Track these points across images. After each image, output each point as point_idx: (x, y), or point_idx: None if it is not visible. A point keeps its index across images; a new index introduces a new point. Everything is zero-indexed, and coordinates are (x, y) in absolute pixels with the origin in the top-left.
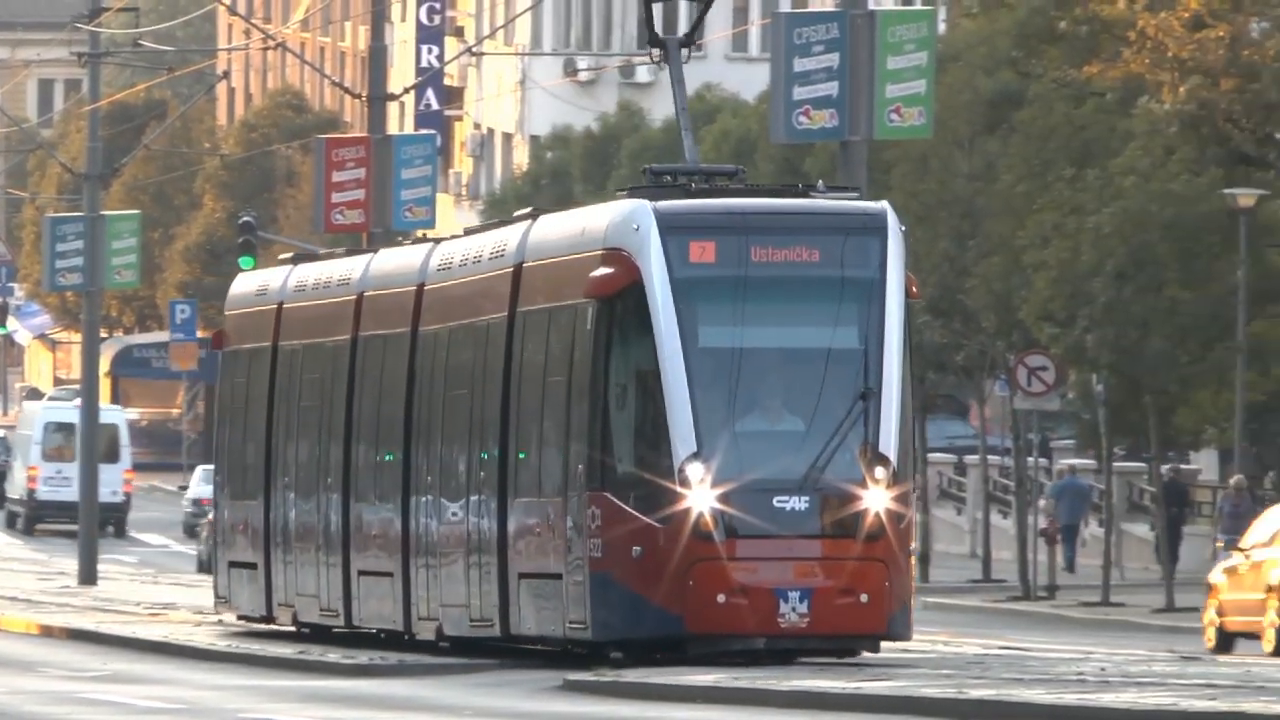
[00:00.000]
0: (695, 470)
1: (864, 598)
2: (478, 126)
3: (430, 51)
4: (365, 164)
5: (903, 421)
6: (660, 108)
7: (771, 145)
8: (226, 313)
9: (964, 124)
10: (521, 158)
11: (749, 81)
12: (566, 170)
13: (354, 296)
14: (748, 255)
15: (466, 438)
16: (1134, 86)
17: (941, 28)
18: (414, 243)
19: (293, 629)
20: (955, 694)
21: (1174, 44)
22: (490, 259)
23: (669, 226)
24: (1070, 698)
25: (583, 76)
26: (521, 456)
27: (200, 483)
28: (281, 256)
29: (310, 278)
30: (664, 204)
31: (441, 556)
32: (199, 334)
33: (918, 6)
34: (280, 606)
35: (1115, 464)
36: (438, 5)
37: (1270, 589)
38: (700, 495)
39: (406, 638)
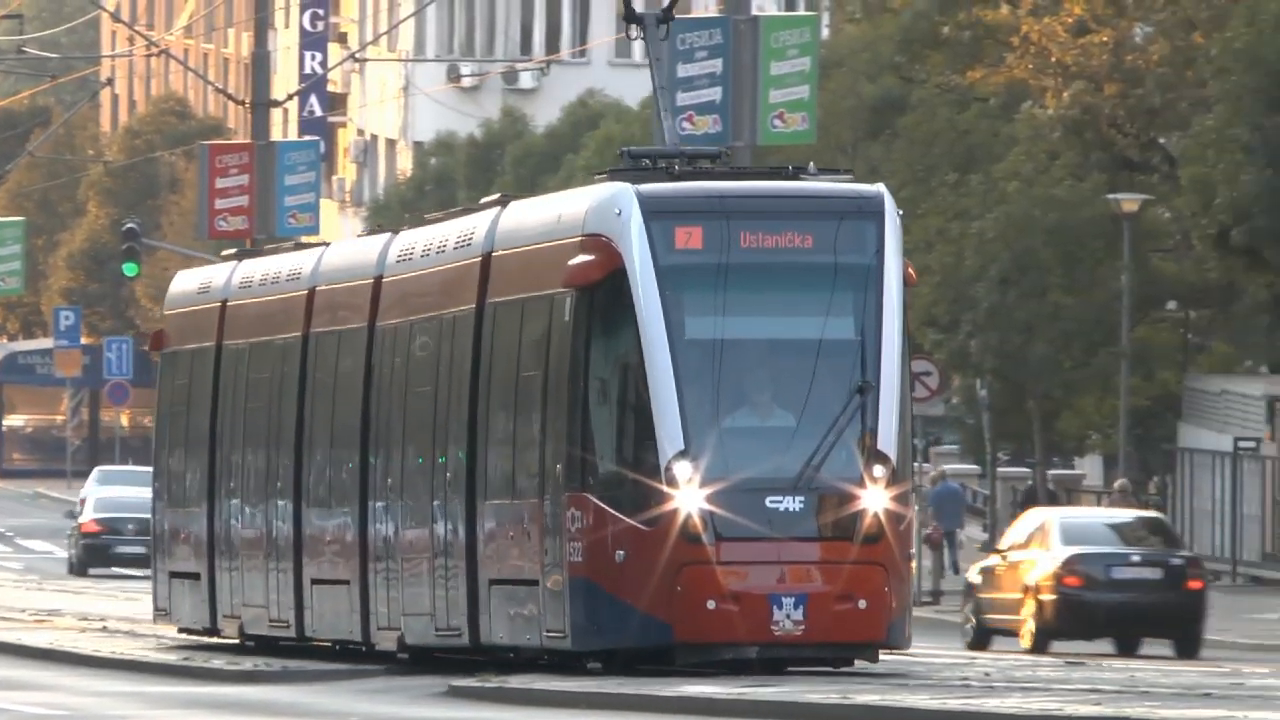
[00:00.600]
0: (683, 469)
1: (862, 603)
2: (361, 132)
3: (314, 58)
4: (249, 170)
5: (902, 417)
6: (543, 113)
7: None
8: (166, 312)
9: (847, 129)
10: (405, 164)
11: (633, 87)
12: (450, 176)
13: (305, 291)
14: (736, 241)
15: (431, 437)
16: (1018, 91)
17: (825, 33)
18: (369, 233)
19: (237, 642)
20: (840, 700)
21: (1058, 49)
22: (456, 248)
23: (653, 211)
24: (954, 703)
25: (466, 82)
26: (492, 456)
27: (95, 483)
28: (225, 253)
29: (257, 273)
30: (647, 187)
31: (404, 562)
32: (83, 340)
33: (801, 12)
34: (225, 618)
35: (1000, 469)
36: (321, 11)
37: (1027, 589)
38: (688, 495)
39: (364, 649)
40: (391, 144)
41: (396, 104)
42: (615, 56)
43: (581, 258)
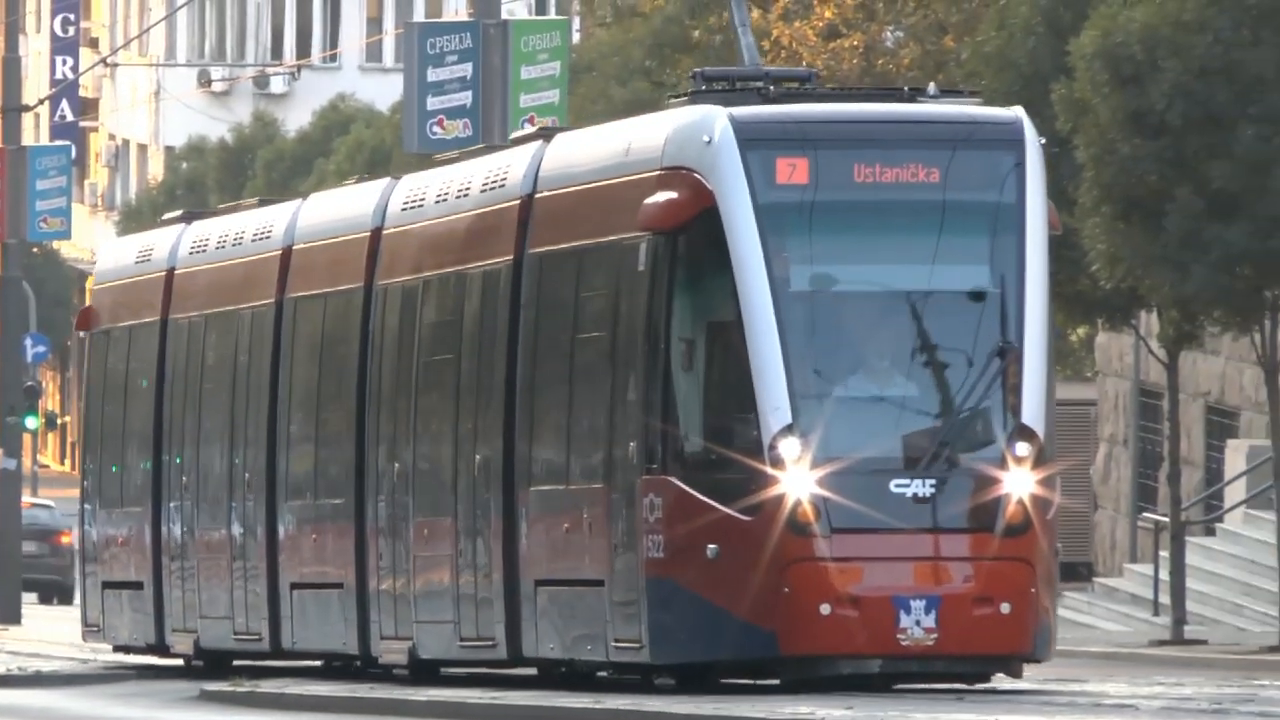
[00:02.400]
0: (790, 446)
1: (1005, 607)
2: (113, 137)
3: (65, 63)
4: None
5: (1049, 384)
6: (294, 118)
7: (406, 156)
8: (94, 287)
9: None
10: (157, 168)
11: (383, 92)
12: (201, 181)
13: (278, 251)
14: (849, 174)
15: (452, 414)
16: None
17: (575, 37)
18: (356, 181)
19: (184, 659)
20: (591, 704)
21: (808, 53)
22: (486, 191)
23: (749, 138)
24: None
25: (217, 87)
26: (538, 437)
27: None
28: (167, 216)
29: (212, 236)
30: (741, 110)
31: (417, 561)
32: None
33: (551, 16)
34: (176, 633)
35: None
36: (72, 16)
37: None
38: (797, 478)
39: (358, 664)
40: (143, 149)
41: (148, 108)
42: (366, 61)
43: (661, 196)
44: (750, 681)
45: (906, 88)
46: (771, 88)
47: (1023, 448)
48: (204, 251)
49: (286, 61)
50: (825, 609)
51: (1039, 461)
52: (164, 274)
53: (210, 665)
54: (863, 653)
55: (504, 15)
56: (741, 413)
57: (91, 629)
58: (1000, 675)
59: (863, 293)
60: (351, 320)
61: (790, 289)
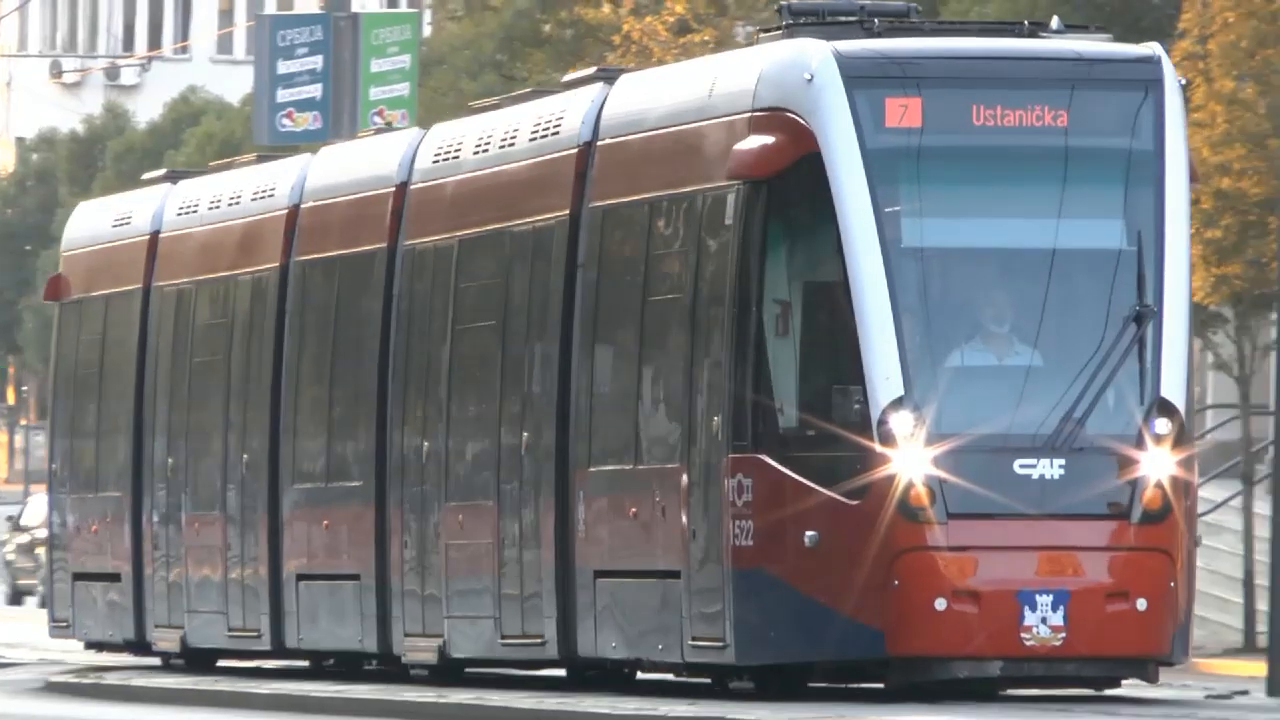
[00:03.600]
0: (903, 421)
1: (1141, 604)
2: None
3: None
4: None
5: (1189, 355)
6: (145, 109)
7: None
8: (65, 253)
9: None
10: (7, 159)
11: (234, 84)
12: (52, 172)
13: (284, 211)
14: (968, 118)
15: (493, 390)
16: None
17: (426, 31)
18: (376, 132)
19: (163, 658)
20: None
21: (659, 48)
22: (535, 139)
23: (857, 76)
24: None
25: (68, 78)
26: (599, 413)
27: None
28: (148, 175)
29: (204, 196)
30: (846, 45)
31: (450, 550)
32: None
33: (402, 9)
34: (160, 628)
35: None
36: None
37: None
38: (910, 457)
39: (372, 664)
40: None
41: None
42: (217, 53)
43: (755, 139)
44: (844, 686)
45: (1026, 21)
46: (876, 20)
47: (1162, 424)
48: (193, 213)
49: (138, 53)
50: (940, 604)
51: (1179, 440)
52: (147, 239)
53: (193, 664)
54: (982, 654)
55: (355, 8)
56: (847, 383)
57: (60, 624)
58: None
59: (983, 250)
60: (374, 285)
61: (902, 245)
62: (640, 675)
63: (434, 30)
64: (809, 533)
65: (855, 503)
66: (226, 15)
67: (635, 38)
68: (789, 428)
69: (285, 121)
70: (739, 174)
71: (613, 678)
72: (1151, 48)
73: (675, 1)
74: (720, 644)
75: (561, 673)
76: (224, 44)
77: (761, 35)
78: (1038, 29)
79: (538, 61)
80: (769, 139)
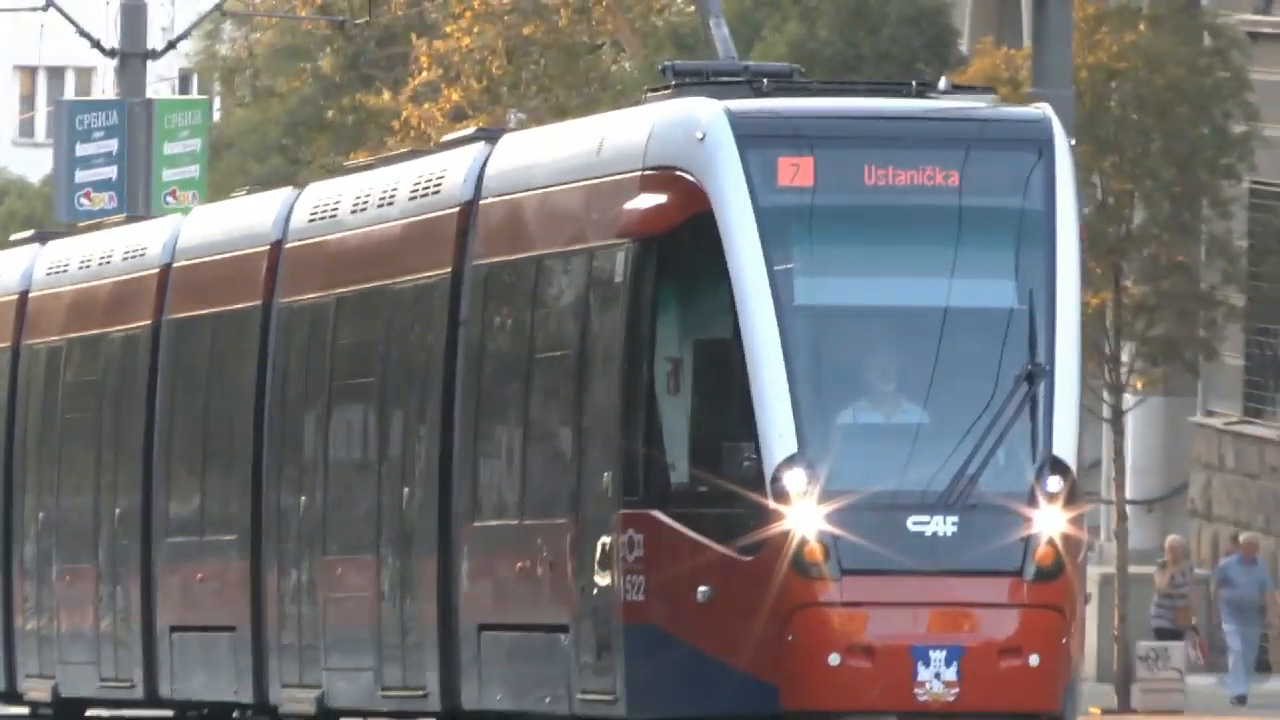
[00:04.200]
0: (796, 479)
1: (1034, 659)
2: None
3: None
4: None
5: (1080, 413)
6: None
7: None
8: None
9: None
10: None
11: (36, 166)
12: None
13: (156, 270)
14: (860, 177)
15: (374, 440)
16: None
17: (216, 116)
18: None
19: (35, 707)
20: None
21: (435, 133)
22: (416, 198)
23: (748, 135)
24: None
25: None
26: (484, 468)
27: None
28: (16, 236)
29: (74, 255)
30: (738, 104)
31: (329, 604)
32: None
33: (193, 96)
34: (31, 678)
35: None
36: None
37: None
38: (804, 514)
39: (245, 715)
40: None
41: None
42: (19, 136)
43: (646, 198)
44: None
45: (914, 82)
46: (765, 81)
47: (1054, 482)
48: (62, 273)
49: None
50: (834, 659)
51: (1071, 498)
52: (15, 298)
53: (62, 715)
54: (876, 709)
55: (149, 94)
56: (739, 440)
57: None
58: None
59: (875, 308)
60: (248, 342)
61: (795, 303)
62: None
63: (223, 115)
64: (702, 588)
65: (749, 559)
66: (28, 100)
67: (414, 124)
68: (681, 484)
69: (83, 201)
70: (629, 232)
71: None
72: (1042, 108)
73: (451, 90)
74: (610, 697)
75: None
76: (25, 127)
77: (649, 95)
78: (925, 89)
79: (321, 146)
80: (660, 197)
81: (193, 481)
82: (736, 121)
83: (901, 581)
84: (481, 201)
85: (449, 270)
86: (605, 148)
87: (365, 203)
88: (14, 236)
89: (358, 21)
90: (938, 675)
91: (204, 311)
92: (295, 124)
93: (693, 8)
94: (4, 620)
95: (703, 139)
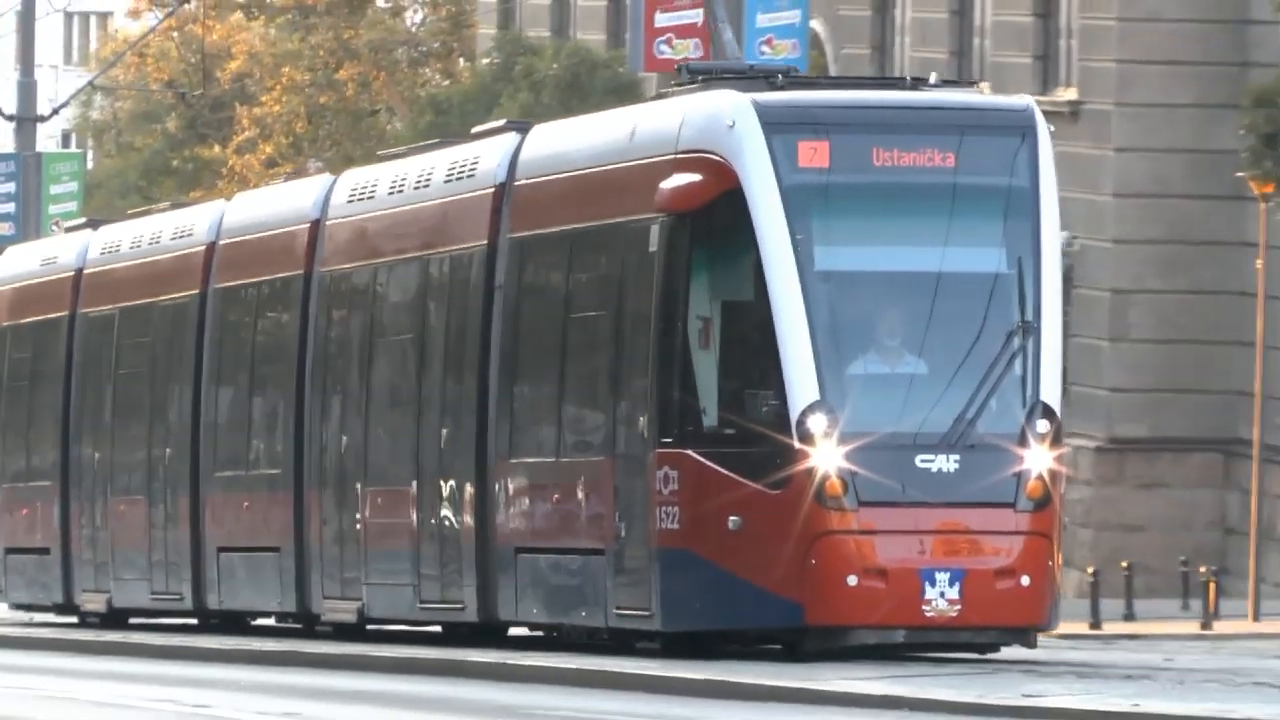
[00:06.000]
0: (818, 422)
1: (1025, 580)
2: None
3: None
4: None
5: (1064, 365)
6: None
7: None
8: None
9: None
10: None
11: None
12: None
13: (203, 247)
14: (869, 158)
15: (413, 388)
16: None
17: (90, 164)
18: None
19: (85, 616)
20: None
21: (255, 178)
22: (451, 181)
23: (773, 122)
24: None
25: None
26: (520, 412)
27: None
28: (70, 224)
29: (125, 237)
30: (763, 96)
31: (366, 530)
32: None
33: (72, 149)
34: (87, 592)
35: None
36: None
37: None
38: (825, 453)
39: (290, 621)
40: None
41: None
42: None
43: (679, 177)
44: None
45: (909, 77)
46: (781, 76)
47: (1042, 425)
48: (115, 253)
49: None
50: (852, 580)
51: (1056, 438)
52: (72, 275)
53: (109, 624)
54: (888, 623)
55: (39, 148)
56: (767, 389)
57: None
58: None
59: (886, 273)
60: (290, 305)
61: (815, 269)
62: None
63: (95, 163)
64: (732, 518)
65: (776, 492)
66: None
67: (238, 170)
68: (712, 427)
69: None
70: (664, 207)
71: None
72: (1025, 99)
73: (265, 144)
74: (646, 612)
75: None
76: None
77: (674, 89)
78: (919, 82)
79: (169, 187)
80: (693, 177)
81: (238, 423)
82: (762, 110)
83: (911, 512)
84: (515, 183)
85: (485, 242)
86: (638, 134)
87: (402, 185)
88: (68, 224)
89: (195, 93)
90: (943, 594)
91: (248, 280)
92: (149, 170)
93: (448, 81)
94: (62, 544)
95: (732, 126)
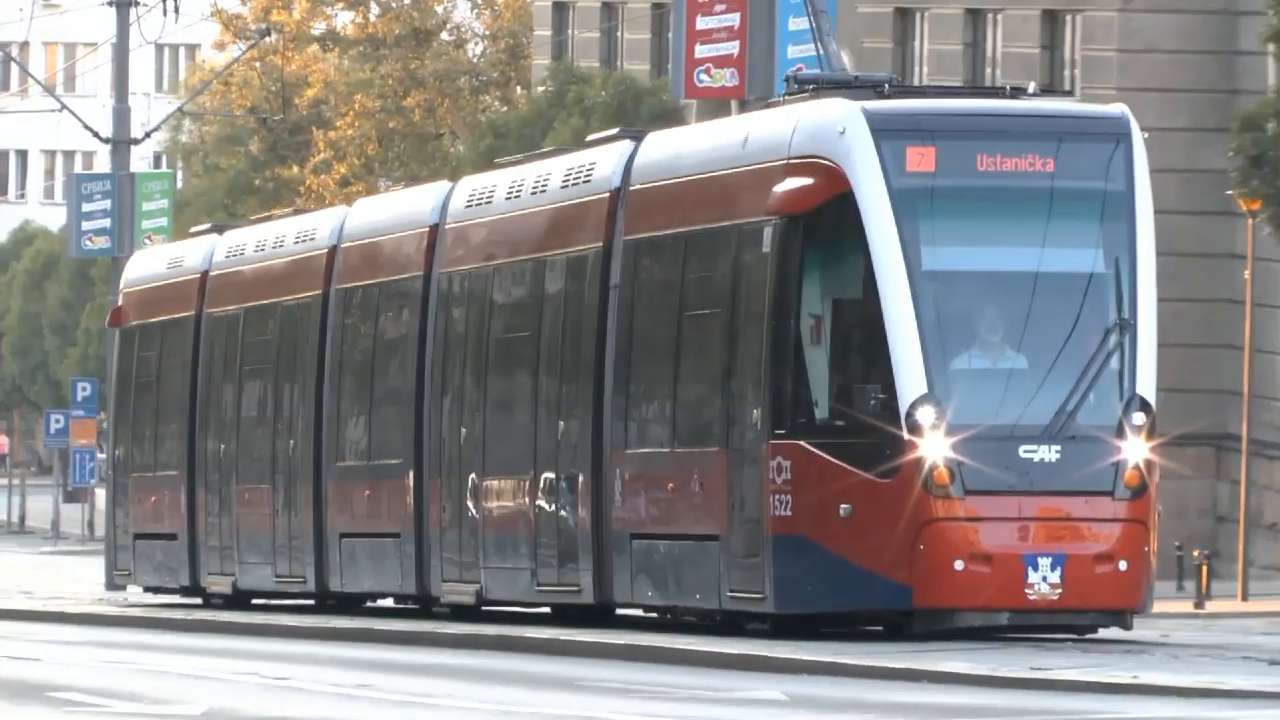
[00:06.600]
0: (926, 414)
1: (1123, 565)
2: None
3: None
4: None
5: (1157, 359)
6: None
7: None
8: (124, 291)
9: None
10: None
11: (55, 219)
12: None
13: (325, 250)
14: (973, 163)
15: (531, 382)
16: None
17: (179, 184)
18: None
19: (209, 598)
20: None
21: (330, 195)
22: (567, 186)
23: (882, 129)
24: None
25: None
26: (634, 405)
27: None
28: (196, 229)
29: (249, 241)
30: (873, 104)
31: (484, 516)
32: None
33: (163, 169)
34: (213, 575)
35: None
36: None
37: None
38: (933, 444)
39: (410, 603)
40: None
41: None
42: (44, 198)
43: (793, 182)
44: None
45: (1008, 86)
46: (887, 85)
47: (1139, 417)
48: (241, 256)
49: None
50: (959, 565)
51: (1152, 430)
52: (198, 277)
53: (232, 605)
54: (992, 606)
55: (133, 169)
56: (877, 383)
57: (122, 573)
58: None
59: (991, 272)
60: (410, 304)
61: (923, 268)
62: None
63: (184, 183)
64: (843, 505)
65: (886, 481)
66: (49, 173)
67: (314, 189)
68: (823, 419)
69: (87, 243)
70: (777, 209)
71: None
72: (1120, 108)
73: (339, 165)
74: (760, 595)
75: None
76: (49, 191)
77: (787, 99)
78: (1018, 91)
79: (251, 204)
80: (805, 181)
81: (359, 416)
82: (872, 118)
83: (1014, 500)
84: (630, 187)
85: (600, 244)
86: (751, 141)
87: (519, 190)
88: (194, 229)
89: (275, 118)
90: (1045, 579)
91: (369, 282)
92: (233, 189)
93: (506, 107)
94: (189, 530)
95: (843, 132)
